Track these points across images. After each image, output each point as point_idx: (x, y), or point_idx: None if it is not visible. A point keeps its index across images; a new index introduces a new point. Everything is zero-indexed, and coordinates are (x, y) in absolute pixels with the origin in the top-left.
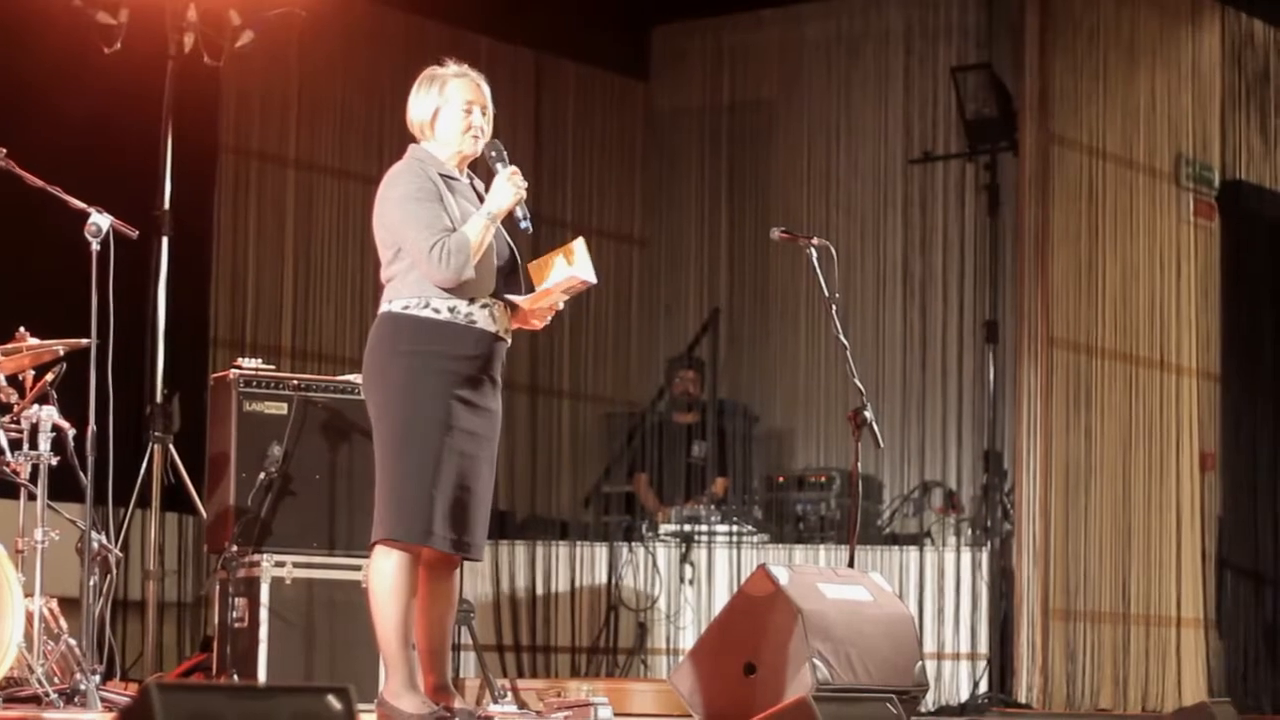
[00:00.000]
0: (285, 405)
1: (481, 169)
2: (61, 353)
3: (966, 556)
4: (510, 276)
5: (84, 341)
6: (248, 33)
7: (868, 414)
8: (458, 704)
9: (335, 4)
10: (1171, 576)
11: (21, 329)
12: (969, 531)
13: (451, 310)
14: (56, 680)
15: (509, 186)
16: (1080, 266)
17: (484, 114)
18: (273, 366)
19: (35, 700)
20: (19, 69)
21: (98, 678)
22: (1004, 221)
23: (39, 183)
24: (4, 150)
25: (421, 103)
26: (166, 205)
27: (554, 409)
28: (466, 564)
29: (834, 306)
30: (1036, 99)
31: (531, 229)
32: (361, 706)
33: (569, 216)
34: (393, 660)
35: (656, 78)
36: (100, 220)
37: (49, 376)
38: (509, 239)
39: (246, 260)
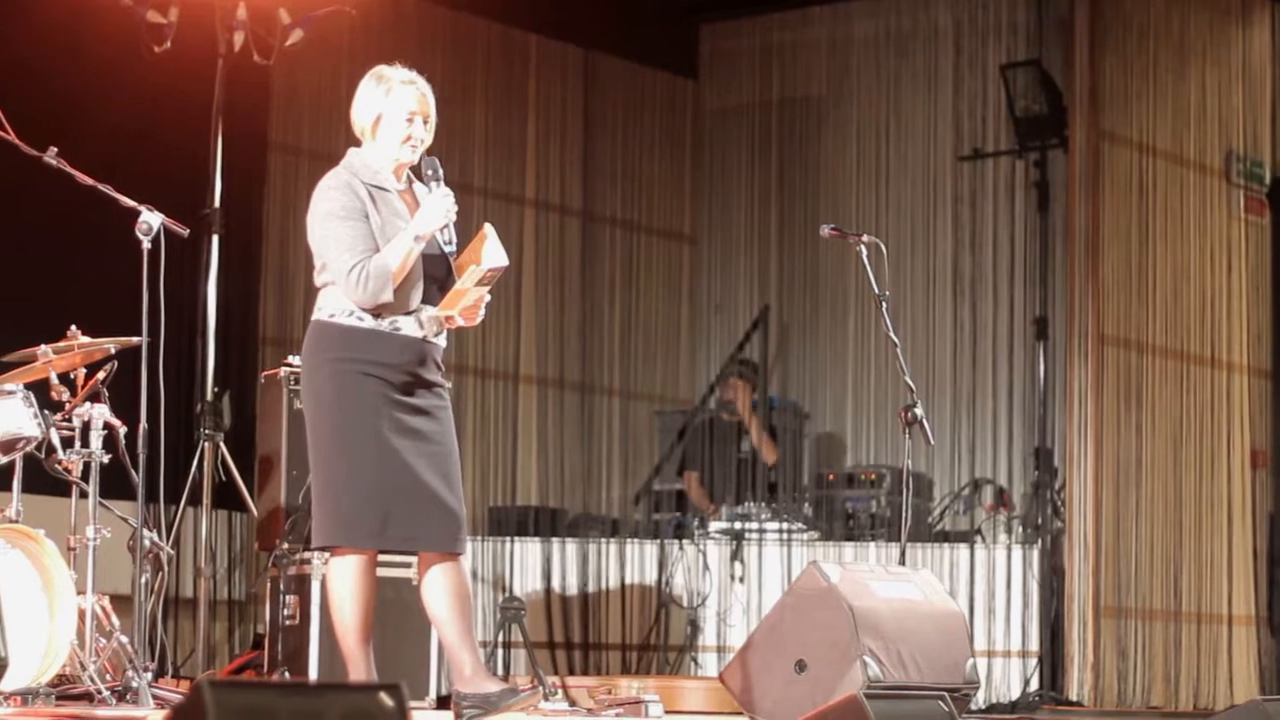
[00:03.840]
0: None
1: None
2: (113, 351)
3: (1017, 554)
4: (446, 283)
5: (135, 340)
6: (297, 31)
7: (918, 411)
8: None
9: (385, 2)
10: (1223, 574)
11: (73, 327)
12: (1020, 529)
13: (377, 318)
14: (108, 677)
15: (439, 209)
16: (1131, 263)
17: (425, 125)
18: None
19: (87, 698)
20: (70, 68)
21: (149, 675)
22: (1054, 218)
23: (90, 181)
24: (55, 149)
25: (365, 105)
26: (216, 203)
27: (604, 407)
28: (517, 562)
29: (884, 304)
30: (1086, 96)
31: (457, 254)
32: (413, 704)
33: (619, 214)
34: (351, 658)
35: (705, 75)
36: (151, 219)
37: (100, 374)
38: (442, 247)
39: (296, 258)
